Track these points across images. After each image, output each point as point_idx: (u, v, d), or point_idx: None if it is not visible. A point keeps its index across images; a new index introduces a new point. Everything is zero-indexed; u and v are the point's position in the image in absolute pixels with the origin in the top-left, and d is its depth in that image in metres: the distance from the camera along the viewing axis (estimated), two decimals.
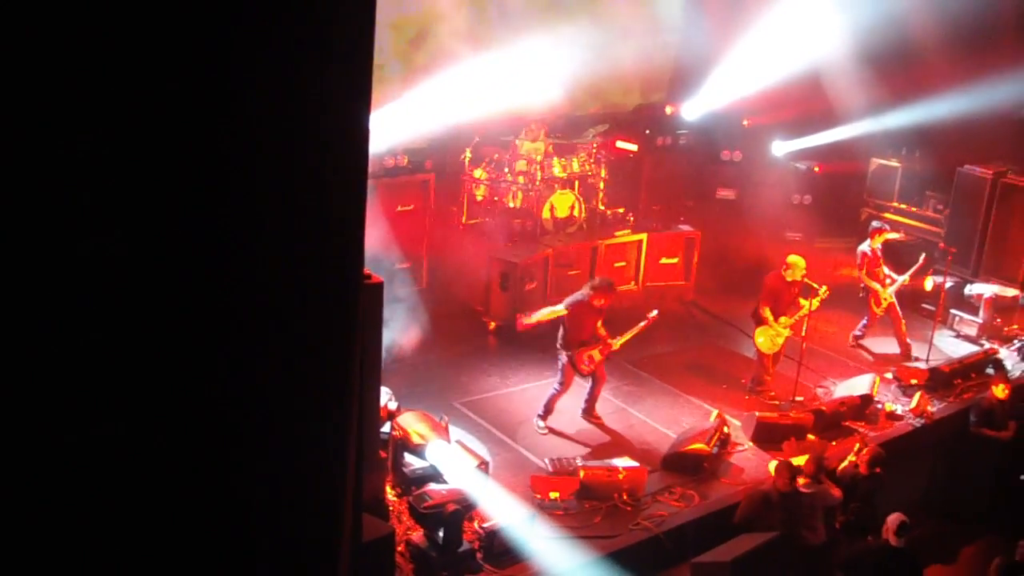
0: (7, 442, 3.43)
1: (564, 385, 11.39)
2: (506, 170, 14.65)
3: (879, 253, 13.78)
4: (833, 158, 18.05)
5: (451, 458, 9.81)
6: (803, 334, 12.20)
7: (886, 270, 13.82)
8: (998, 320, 14.74)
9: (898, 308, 13.82)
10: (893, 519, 9.26)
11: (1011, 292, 14.94)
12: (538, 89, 14.94)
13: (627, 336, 11.42)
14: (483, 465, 9.94)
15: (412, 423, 10.08)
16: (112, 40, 3.30)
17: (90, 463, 3.61)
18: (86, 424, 3.55)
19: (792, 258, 12.26)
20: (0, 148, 3.19)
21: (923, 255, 14.14)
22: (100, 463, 3.63)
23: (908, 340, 13.95)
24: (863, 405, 12.04)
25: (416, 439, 9.87)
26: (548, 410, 11.46)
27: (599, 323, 11.34)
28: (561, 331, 11.33)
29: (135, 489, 3.73)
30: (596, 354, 11.29)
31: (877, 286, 13.67)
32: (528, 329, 11.81)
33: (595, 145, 15.42)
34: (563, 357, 11.35)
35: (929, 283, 14.30)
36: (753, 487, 10.23)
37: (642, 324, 11.47)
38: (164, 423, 3.74)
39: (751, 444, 11.36)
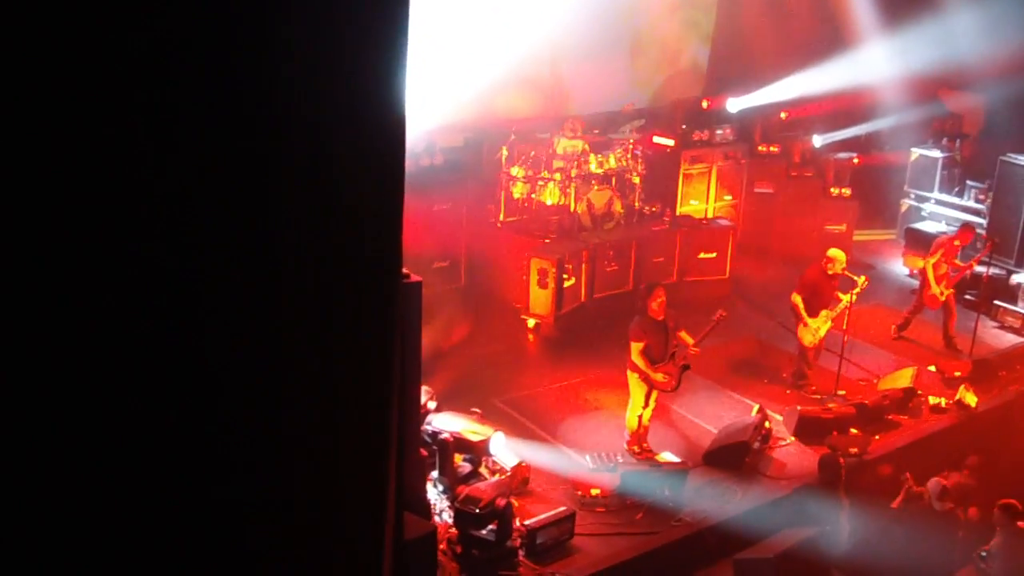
0: (53, 443, 3.47)
1: (644, 405, 10.82)
2: (543, 167, 14.62)
3: (957, 250, 13.72)
4: (873, 149, 17.90)
5: (510, 445, 10.20)
6: (844, 327, 12.11)
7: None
8: None
9: (953, 302, 13.71)
10: (934, 484, 9.31)
11: None
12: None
13: (701, 338, 10.71)
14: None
15: (456, 422, 10.15)
16: (135, 35, 3.32)
17: (130, 461, 3.64)
18: (121, 422, 3.59)
19: (832, 252, 12.20)
20: (34, 144, 3.23)
21: (987, 238, 14.13)
22: (141, 460, 3.66)
23: (954, 334, 13.81)
24: (906, 398, 11.93)
25: (473, 436, 9.97)
26: (636, 436, 10.88)
27: (680, 334, 10.71)
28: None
29: (177, 487, 3.76)
30: (671, 368, 10.60)
31: (933, 282, 13.53)
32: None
33: (631, 140, 15.35)
34: (634, 377, 10.71)
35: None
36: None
37: (709, 325, 10.72)
38: (204, 422, 3.77)
39: (793, 438, 11.30)
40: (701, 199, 16.57)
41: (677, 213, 15.81)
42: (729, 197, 16.85)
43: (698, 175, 16.60)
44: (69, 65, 3.21)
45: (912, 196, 17.70)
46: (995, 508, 9.35)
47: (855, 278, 11.95)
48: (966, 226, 14.23)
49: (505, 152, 14.52)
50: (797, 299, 12.13)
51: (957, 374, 12.75)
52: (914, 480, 10.03)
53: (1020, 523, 9.26)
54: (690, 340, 10.66)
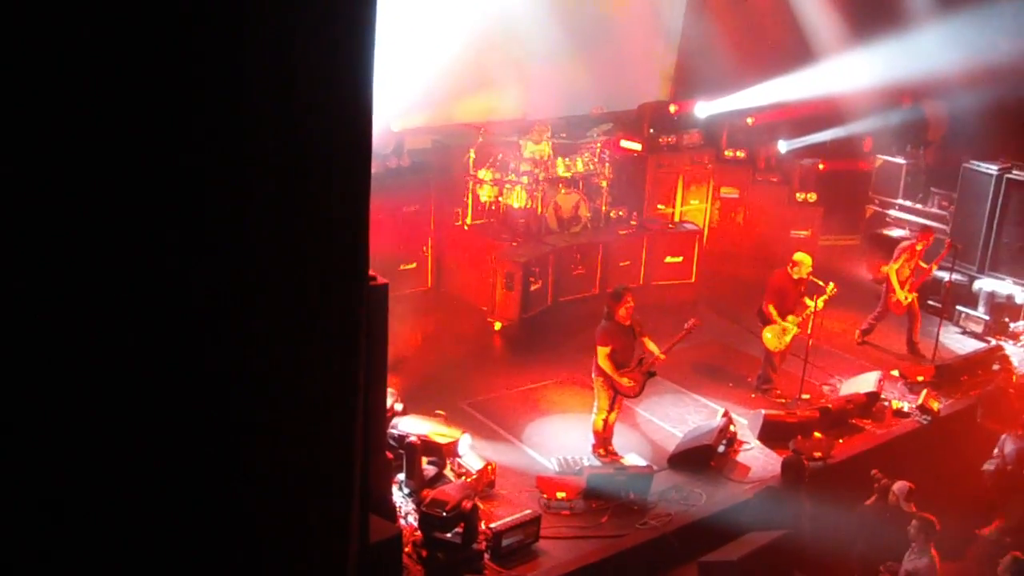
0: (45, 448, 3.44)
1: (610, 409, 10.79)
2: (511, 170, 14.62)
3: (921, 254, 13.82)
4: (838, 155, 18.03)
5: (476, 448, 10.28)
6: (809, 332, 12.17)
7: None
8: (1006, 318, 14.69)
9: (918, 307, 13.82)
10: (900, 487, 9.36)
11: (1006, 291, 14.91)
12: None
13: (671, 346, 10.70)
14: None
15: (423, 424, 10.12)
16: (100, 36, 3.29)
17: (97, 463, 3.61)
18: (97, 426, 3.56)
19: (798, 256, 12.27)
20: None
21: (947, 240, 14.27)
22: (107, 463, 3.63)
23: (918, 339, 13.92)
24: (869, 403, 12.02)
25: (440, 439, 9.95)
26: (602, 440, 10.88)
27: (643, 340, 10.70)
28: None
29: (142, 490, 3.73)
30: (637, 375, 10.60)
31: (897, 287, 13.63)
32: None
33: (599, 144, 15.39)
34: (599, 381, 10.71)
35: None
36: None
37: (681, 333, 10.80)
38: (170, 425, 3.74)
39: (758, 442, 11.35)
40: (668, 203, 16.64)
41: (644, 217, 15.86)
42: (696, 202, 16.93)
43: (665, 179, 16.66)
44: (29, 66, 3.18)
45: (877, 202, 17.86)
46: (909, 525, 9.22)
47: (822, 284, 12.02)
48: (925, 229, 14.36)
49: (473, 155, 14.52)
50: (771, 309, 12.15)
51: (920, 379, 12.88)
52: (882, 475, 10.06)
53: (933, 547, 9.03)
54: (656, 350, 10.61)
